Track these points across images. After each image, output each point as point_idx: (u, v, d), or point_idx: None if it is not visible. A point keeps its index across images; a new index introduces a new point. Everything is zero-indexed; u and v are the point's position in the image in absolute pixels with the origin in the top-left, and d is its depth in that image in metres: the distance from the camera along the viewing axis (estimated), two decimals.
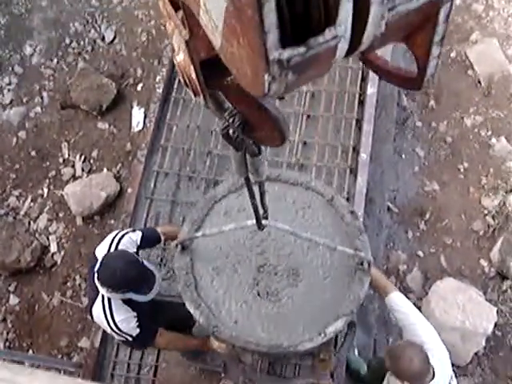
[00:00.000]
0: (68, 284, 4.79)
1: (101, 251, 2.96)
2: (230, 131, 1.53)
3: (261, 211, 2.31)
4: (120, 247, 2.94)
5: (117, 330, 2.88)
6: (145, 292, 2.87)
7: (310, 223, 2.88)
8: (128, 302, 2.90)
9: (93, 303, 2.89)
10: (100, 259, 2.84)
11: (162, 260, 3.97)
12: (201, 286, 2.77)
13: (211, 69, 1.22)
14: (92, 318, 2.97)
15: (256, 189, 2.09)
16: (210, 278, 2.79)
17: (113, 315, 2.86)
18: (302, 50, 0.83)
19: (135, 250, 2.99)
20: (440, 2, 0.95)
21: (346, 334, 3.26)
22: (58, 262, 4.86)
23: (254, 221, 2.39)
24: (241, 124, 1.52)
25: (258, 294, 2.75)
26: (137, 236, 3.05)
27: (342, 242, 2.77)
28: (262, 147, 1.74)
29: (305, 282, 2.75)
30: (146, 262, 2.93)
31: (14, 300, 4.83)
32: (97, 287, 2.81)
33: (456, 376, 4.14)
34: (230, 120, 1.51)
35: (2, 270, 4.86)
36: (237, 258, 2.82)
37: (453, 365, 4.12)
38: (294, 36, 0.86)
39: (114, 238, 2.98)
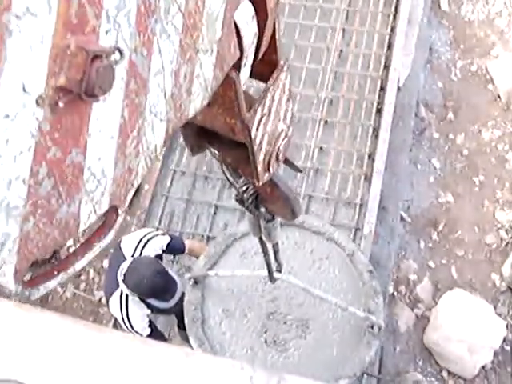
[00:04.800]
0: (82, 277, 4.86)
1: (127, 246, 3.03)
2: (244, 198, 1.55)
3: (275, 265, 2.31)
4: (147, 248, 3.01)
5: (128, 326, 2.94)
6: (166, 299, 2.97)
7: (325, 276, 2.84)
8: (144, 300, 2.97)
9: (111, 295, 2.96)
10: (127, 259, 2.91)
11: (174, 257, 4.03)
12: (208, 324, 2.77)
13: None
14: (108, 307, 3.05)
15: (270, 247, 2.08)
16: (219, 319, 2.78)
17: (128, 311, 2.92)
18: None
19: (160, 253, 3.05)
20: None
21: None
22: None
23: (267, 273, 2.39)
24: (253, 194, 1.53)
25: (265, 342, 2.73)
26: (165, 241, 3.12)
27: (355, 300, 2.73)
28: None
29: (313, 335, 2.72)
30: (170, 271, 3.01)
31: None
32: (117, 281, 2.88)
33: None
34: (244, 188, 1.52)
35: None
36: (248, 303, 2.81)
37: (459, 377, 4.14)
38: None
39: (144, 237, 3.05)
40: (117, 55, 0.72)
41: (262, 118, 1.13)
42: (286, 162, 1.45)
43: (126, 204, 0.94)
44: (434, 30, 5.42)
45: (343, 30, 4.70)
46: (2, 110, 0.63)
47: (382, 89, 4.41)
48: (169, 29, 0.82)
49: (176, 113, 0.92)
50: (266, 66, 1.12)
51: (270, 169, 1.29)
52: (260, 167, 1.24)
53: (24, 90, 0.64)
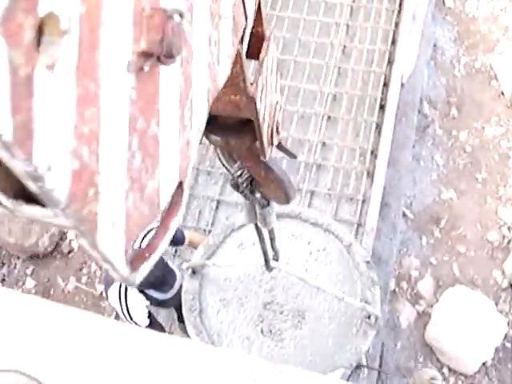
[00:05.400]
0: (83, 270, 4.88)
1: None
2: (239, 182, 1.55)
3: (271, 253, 2.32)
4: (147, 238, 3.01)
5: (127, 317, 2.96)
6: (165, 291, 2.99)
7: (322, 267, 2.84)
8: (143, 291, 2.98)
9: (110, 286, 2.97)
10: None
11: (176, 251, 4.04)
12: (206, 314, 2.78)
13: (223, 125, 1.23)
14: (107, 298, 3.07)
15: (266, 234, 2.09)
16: (216, 308, 2.79)
17: (127, 302, 2.94)
18: None
19: None
20: None
21: (350, 375, 3.19)
22: (75, 248, 4.96)
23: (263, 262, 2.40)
24: (248, 179, 1.53)
25: (262, 332, 2.74)
26: None
27: (352, 291, 2.73)
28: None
29: (309, 326, 2.72)
30: (169, 262, 3.02)
31: (30, 283, 4.93)
32: None
33: None
34: (238, 173, 1.51)
35: (20, 253, 4.97)
36: (245, 292, 2.81)
37: (460, 373, 4.15)
38: None
39: None
40: (178, 17, 0.71)
41: (262, 89, 1.12)
42: (281, 147, 1.45)
43: (188, 179, 0.90)
44: (438, 27, 5.40)
45: (347, 25, 4.69)
46: (105, 78, 0.61)
47: (386, 85, 4.40)
48: None
49: (212, 82, 0.91)
50: (252, 40, 1.11)
51: (274, 141, 1.29)
52: (266, 141, 1.24)
53: (117, 57, 0.64)
